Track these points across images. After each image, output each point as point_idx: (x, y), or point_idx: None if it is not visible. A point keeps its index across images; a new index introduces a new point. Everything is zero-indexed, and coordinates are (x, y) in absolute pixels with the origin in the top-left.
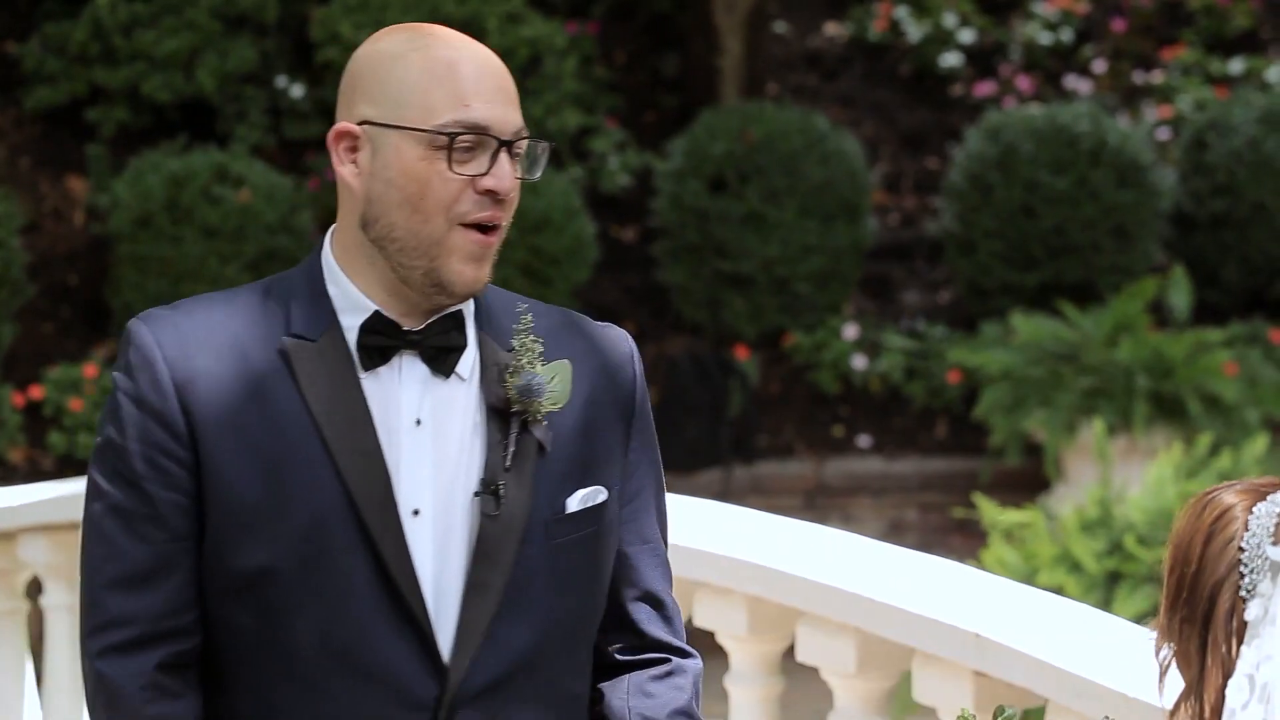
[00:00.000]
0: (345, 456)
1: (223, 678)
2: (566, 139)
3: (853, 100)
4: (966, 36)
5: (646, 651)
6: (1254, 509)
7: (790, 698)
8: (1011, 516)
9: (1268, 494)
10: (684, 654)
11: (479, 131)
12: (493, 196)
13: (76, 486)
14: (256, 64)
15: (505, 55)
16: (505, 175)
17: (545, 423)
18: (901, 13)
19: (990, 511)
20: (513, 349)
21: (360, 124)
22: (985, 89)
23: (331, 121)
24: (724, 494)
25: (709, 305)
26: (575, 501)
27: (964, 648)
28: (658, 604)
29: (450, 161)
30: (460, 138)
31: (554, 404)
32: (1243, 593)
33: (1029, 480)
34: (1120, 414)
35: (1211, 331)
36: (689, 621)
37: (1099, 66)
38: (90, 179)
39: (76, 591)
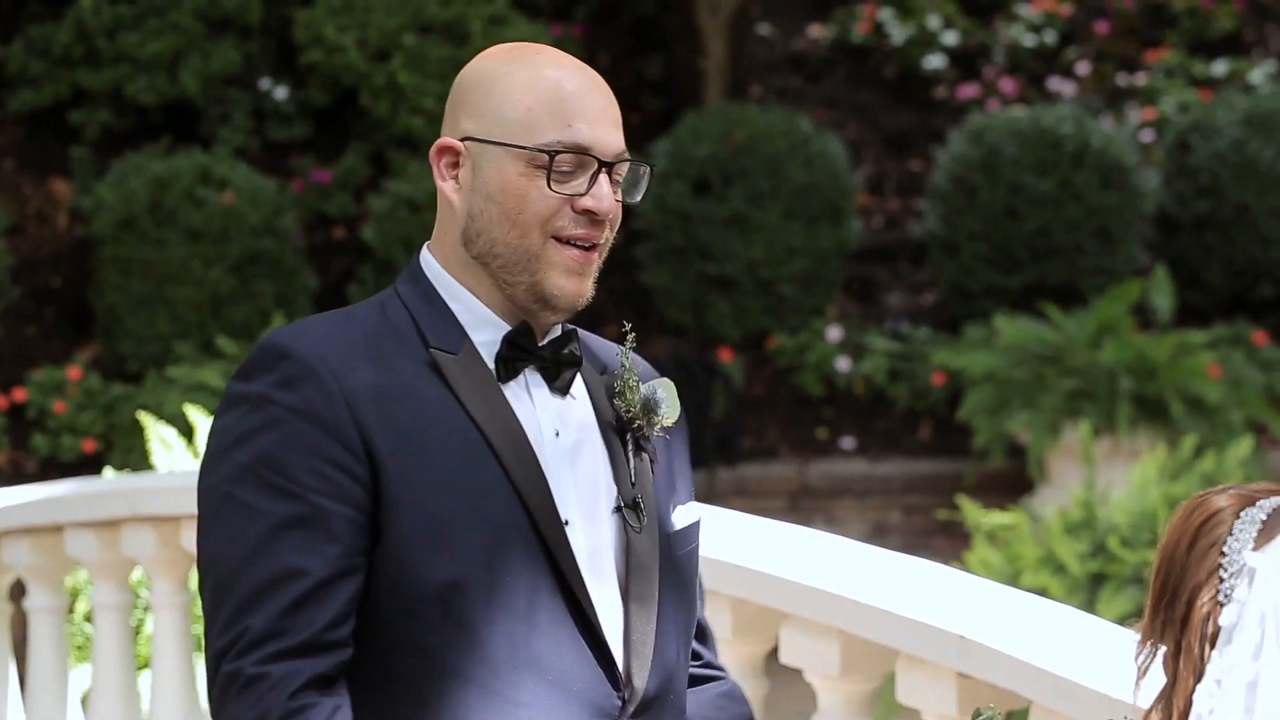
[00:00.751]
0: (515, 467)
1: (406, 693)
2: None
3: (836, 102)
4: (950, 38)
5: (701, 669)
6: (1241, 514)
7: (774, 699)
8: (995, 518)
9: (1258, 499)
10: (725, 673)
11: (580, 152)
12: (590, 216)
13: (60, 489)
14: (240, 66)
15: None
16: (604, 196)
17: (657, 437)
18: (885, 15)
19: (974, 513)
20: (604, 371)
21: (463, 139)
22: (969, 91)
23: (316, 123)
24: (708, 496)
25: (693, 307)
26: (679, 518)
27: (948, 649)
28: (703, 625)
29: (550, 180)
30: (560, 157)
31: (669, 418)
32: (1220, 597)
33: (1013, 482)
34: (1104, 416)
35: (1195, 333)
36: None
37: (1082, 68)
38: (74, 181)
39: (59, 594)
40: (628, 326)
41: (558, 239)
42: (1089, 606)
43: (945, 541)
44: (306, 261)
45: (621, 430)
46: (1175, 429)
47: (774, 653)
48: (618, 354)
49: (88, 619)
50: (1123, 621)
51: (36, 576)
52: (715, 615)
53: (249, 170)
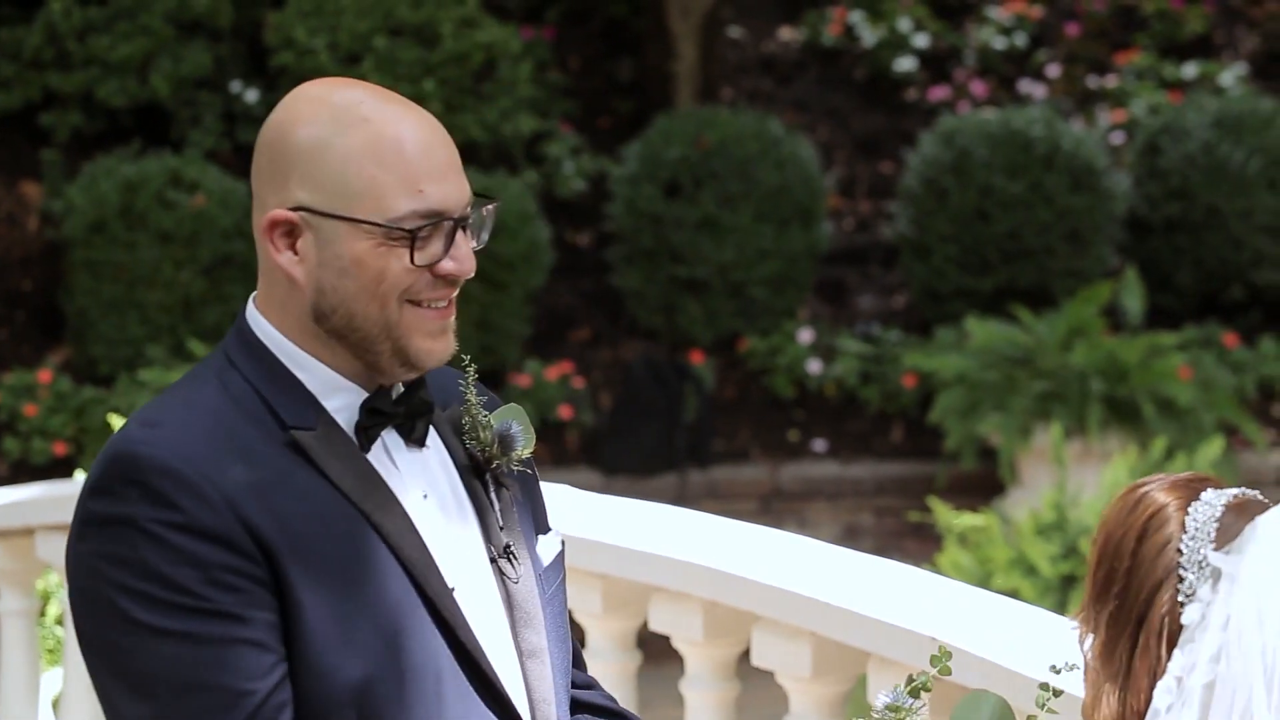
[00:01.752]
0: (399, 543)
1: None
2: (521, 144)
3: (807, 105)
4: (921, 41)
5: (581, 687)
6: (1189, 509)
7: (746, 701)
8: (966, 520)
9: (1199, 491)
10: (595, 683)
11: (436, 218)
12: (450, 280)
13: (31, 492)
14: (211, 69)
15: (460, 60)
16: (465, 256)
17: (518, 470)
18: (856, 17)
19: (945, 515)
20: (445, 406)
21: (296, 210)
22: (939, 93)
23: None
24: (679, 498)
25: (664, 310)
26: (544, 551)
27: (920, 651)
28: (576, 648)
29: (412, 254)
30: (421, 230)
31: (527, 449)
32: (1181, 597)
33: (984, 484)
34: (1075, 418)
35: (1165, 335)
36: (644, 626)
37: (1053, 71)
38: (44, 184)
39: (30, 597)
40: (466, 359)
41: (414, 303)
42: (1060, 608)
43: (916, 543)
44: None
45: (478, 470)
46: (1146, 431)
47: (746, 655)
48: (458, 384)
49: (59, 622)
50: None
51: (7, 580)
52: (687, 617)
53: (220, 173)
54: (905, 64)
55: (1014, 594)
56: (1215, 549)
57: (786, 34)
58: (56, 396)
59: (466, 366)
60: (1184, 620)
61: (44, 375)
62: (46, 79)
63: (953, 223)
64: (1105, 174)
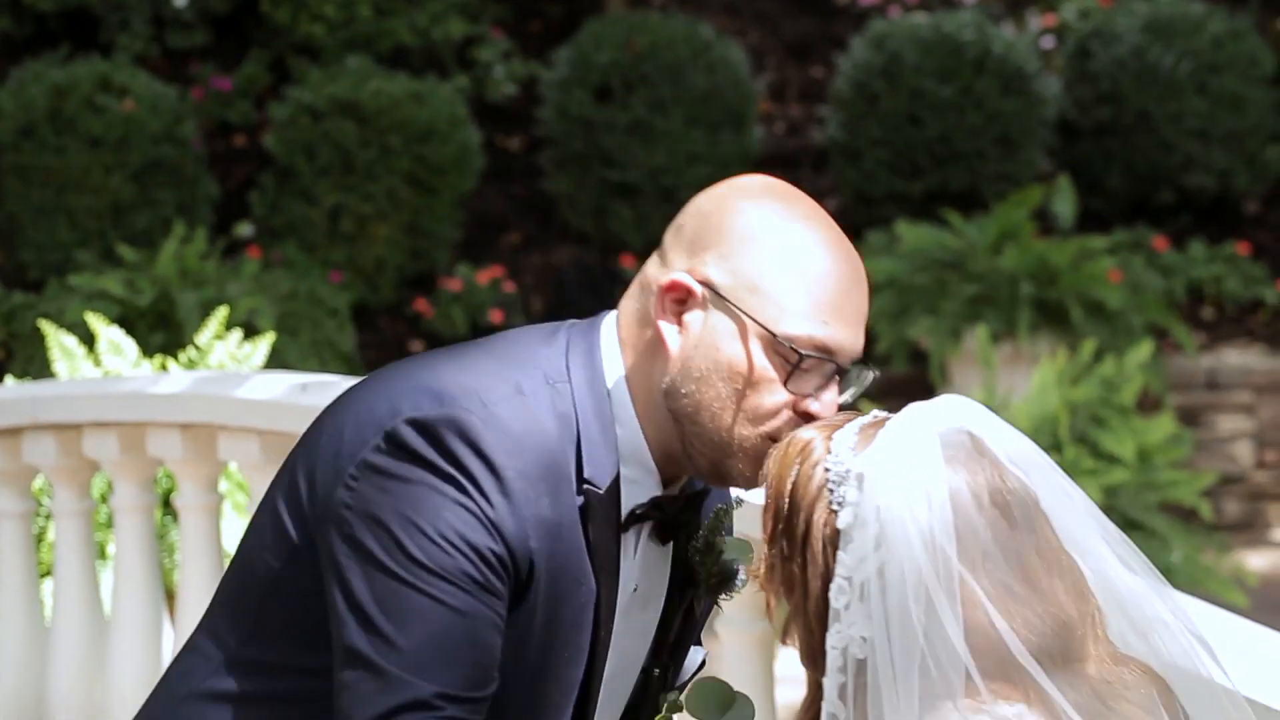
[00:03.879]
0: (601, 635)
1: None
2: (452, 48)
3: (737, 9)
4: None
5: None
6: (833, 436)
7: None
8: None
9: (844, 424)
10: None
11: (828, 356)
12: (807, 419)
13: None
14: None
15: None
16: (830, 404)
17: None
18: None
19: None
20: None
21: (702, 283)
22: None
23: (216, 31)
24: None
25: (595, 214)
26: (688, 667)
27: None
28: None
29: (788, 379)
30: (807, 359)
31: (735, 593)
32: (833, 505)
33: (915, 387)
34: (1005, 321)
35: (1095, 239)
36: None
37: None
38: None
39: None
40: (741, 497)
41: (768, 436)
42: None
43: None
44: (207, 169)
45: (684, 584)
46: (1076, 334)
47: None
48: (713, 510)
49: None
50: None
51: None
52: None
53: (149, 78)
54: None
55: None
56: (855, 455)
57: None
58: None
59: (740, 501)
60: (840, 525)
61: None
62: None
63: (883, 127)
64: (1036, 78)
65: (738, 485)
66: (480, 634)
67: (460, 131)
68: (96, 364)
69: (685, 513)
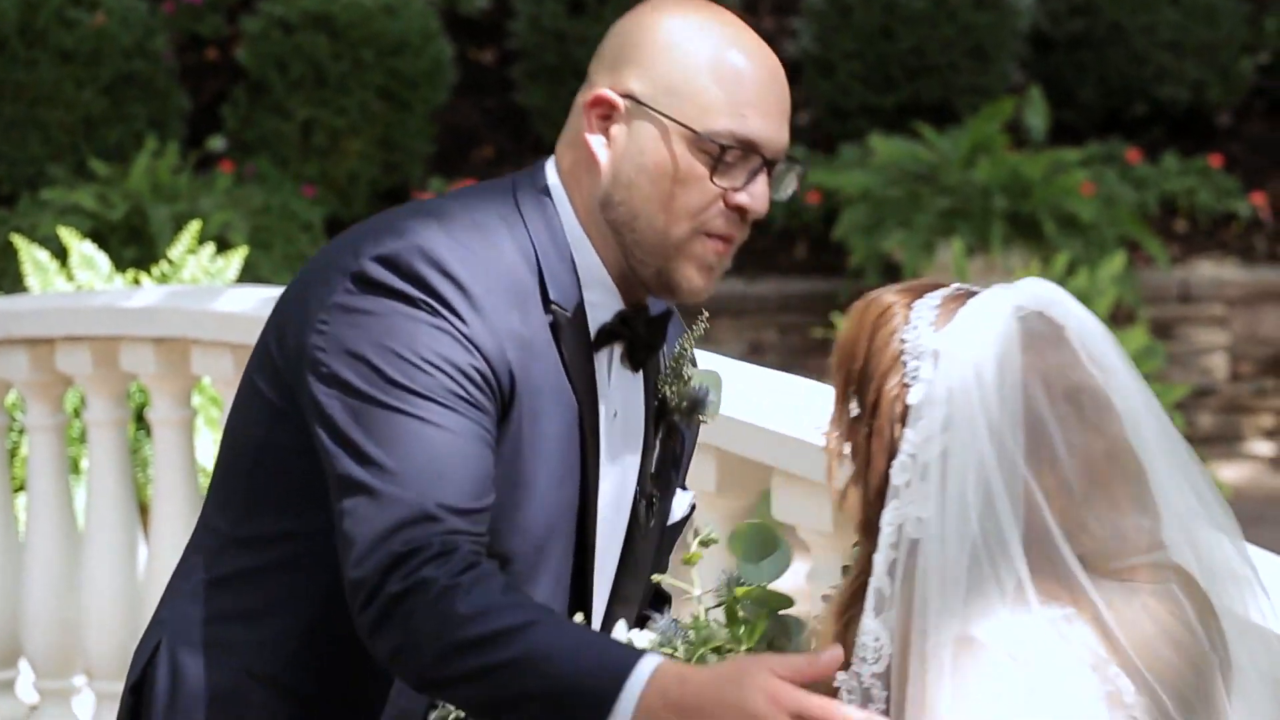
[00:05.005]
0: (590, 454)
1: None
2: None
3: None
4: None
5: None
6: (913, 305)
7: None
8: None
9: (925, 292)
10: None
11: (750, 148)
12: (741, 214)
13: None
14: None
15: None
16: (761, 196)
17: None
18: None
19: None
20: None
21: (624, 96)
22: None
23: None
24: None
25: None
26: (677, 509)
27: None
28: (665, 592)
29: (714, 172)
30: (730, 151)
31: (710, 418)
32: (907, 379)
33: None
34: (978, 234)
35: (1068, 151)
36: None
37: None
38: None
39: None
40: (704, 315)
41: (703, 233)
42: None
43: (821, 360)
44: (179, 83)
45: (658, 414)
46: (1049, 247)
47: None
48: (679, 339)
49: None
50: None
51: (32, 392)
52: None
53: None
54: None
55: None
56: (935, 332)
57: None
58: None
59: (701, 320)
60: (910, 400)
61: None
62: None
63: (857, 39)
64: None
65: (687, 296)
66: (471, 448)
67: (432, 45)
68: (69, 279)
69: (651, 333)
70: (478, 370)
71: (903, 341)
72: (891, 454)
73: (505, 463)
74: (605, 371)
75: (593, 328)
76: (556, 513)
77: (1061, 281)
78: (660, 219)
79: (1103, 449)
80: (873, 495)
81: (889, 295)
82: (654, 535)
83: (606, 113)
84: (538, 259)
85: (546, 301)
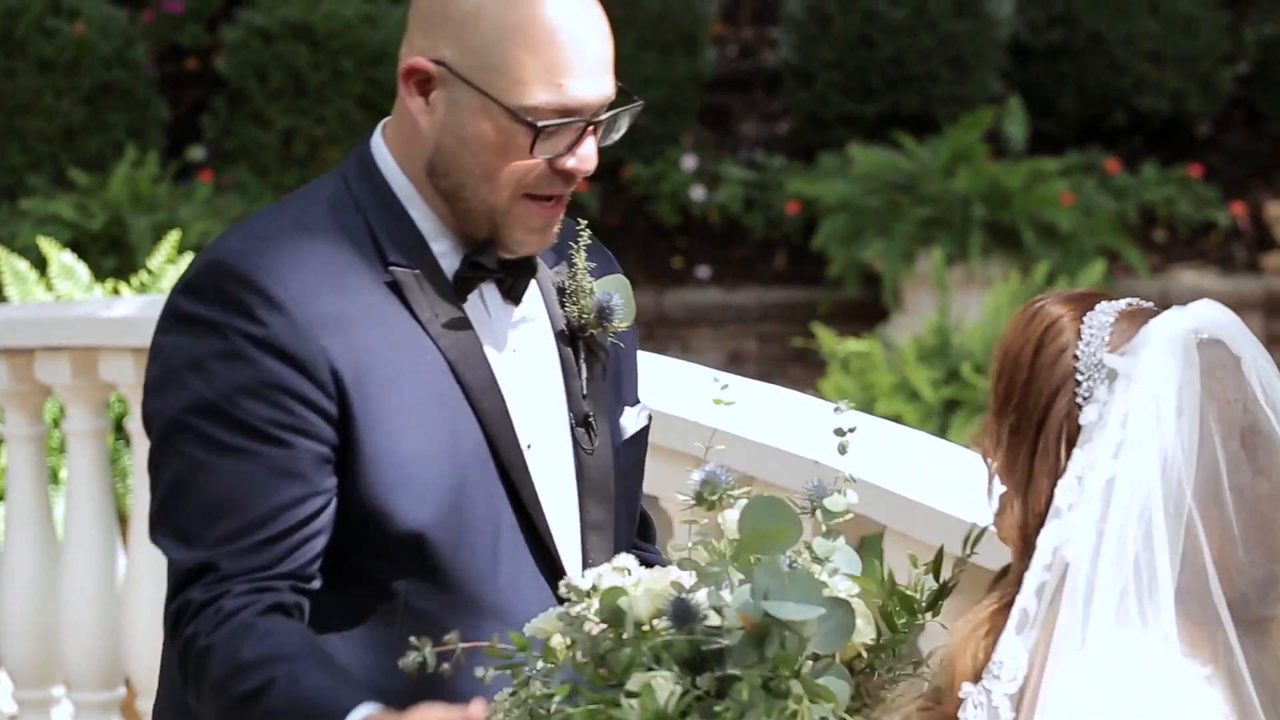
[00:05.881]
0: (478, 396)
1: (371, 635)
2: None
3: None
4: None
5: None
6: (1084, 318)
7: None
8: (850, 346)
9: (1094, 304)
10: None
11: (570, 114)
12: (567, 177)
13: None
14: None
15: None
16: (589, 156)
17: (613, 342)
18: None
19: (829, 341)
20: (555, 263)
21: (438, 64)
22: None
23: None
24: None
25: None
26: (629, 422)
27: (802, 475)
28: (646, 519)
29: (534, 146)
30: (548, 125)
31: (624, 322)
32: (1078, 399)
33: (867, 310)
34: (957, 244)
35: (1048, 161)
36: None
37: None
38: None
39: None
40: (584, 224)
41: (529, 196)
42: (942, 432)
43: (801, 369)
44: (159, 93)
45: (573, 335)
46: (1028, 256)
47: None
48: (569, 247)
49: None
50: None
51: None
52: None
53: (100, 0)
54: None
55: (897, 419)
56: (1110, 353)
57: None
58: None
59: (581, 230)
60: (1082, 420)
61: None
62: None
63: (836, 48)
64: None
65: (521, 252)
66: (259, 479)
67: None
68: (48, 288)
69: (516, 270)
70: (281, 382)
71: (1075, 358)
72: (1056, 474)
73: (367, 444)
74: (484, 312)
75: (449, 274)
76: (457, 471)
77: (1041, 291)
78: (484, 188)
79: (1267, 492)
80: (1033, 515)
81: (1055, 306)
82: (605, 455)
83: (424, 79)
84: (369, 226)
85: (385, 264)
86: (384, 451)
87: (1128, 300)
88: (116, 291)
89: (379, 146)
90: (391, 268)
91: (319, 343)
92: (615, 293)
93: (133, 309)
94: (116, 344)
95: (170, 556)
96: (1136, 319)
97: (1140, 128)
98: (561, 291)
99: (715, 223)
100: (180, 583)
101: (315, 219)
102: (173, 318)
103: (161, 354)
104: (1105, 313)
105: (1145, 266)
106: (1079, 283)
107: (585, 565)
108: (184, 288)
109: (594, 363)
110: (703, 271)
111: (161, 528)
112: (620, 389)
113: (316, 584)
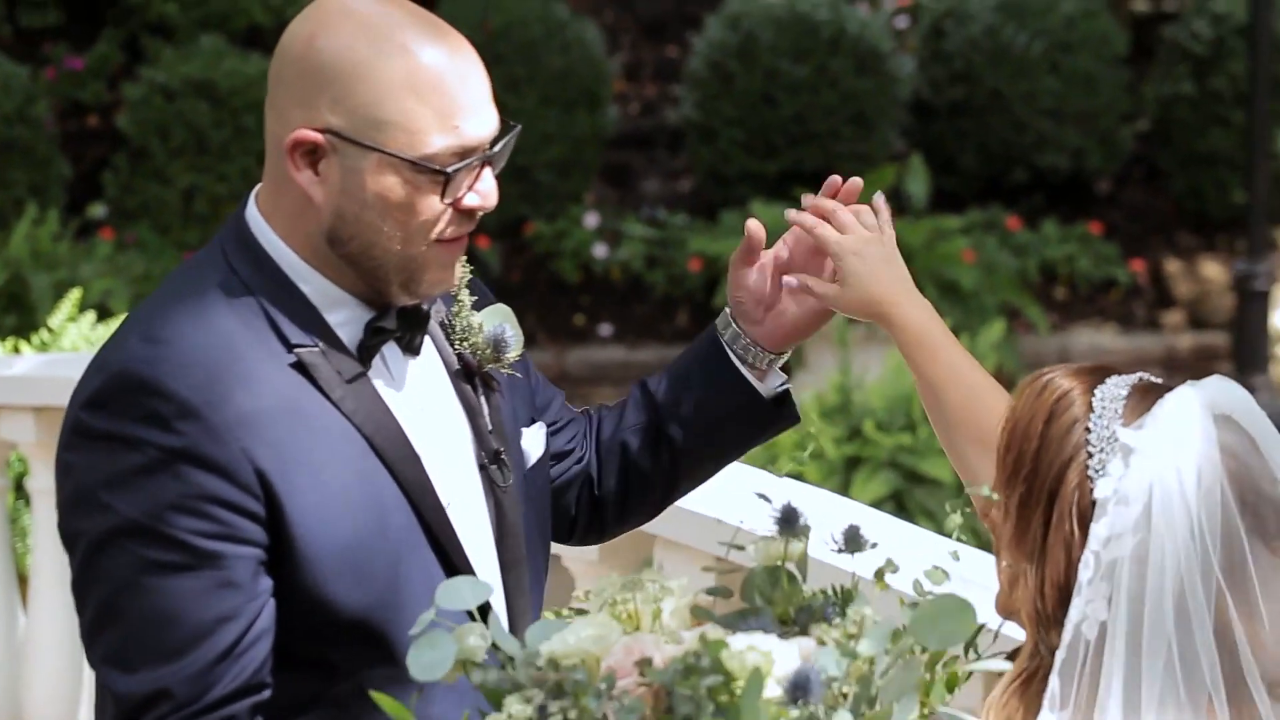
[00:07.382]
0: (399, 466)
1: (319, 714)
2: None
3: None
4: None
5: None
6: (1095, 391)
7: None
8: None
9: (1104, 377)
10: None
11: (468, 155)
12: (471, 214)
13: None
14: None
15: None
16: (491, 190)
17: (508, 374)
18: None
19: None
20: (432, 303)
21: (325, 132)
22: None
23: (68, 10)
24: None
25: None
26: (529, 444)
27: (705, 534)
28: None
29: (444, 193)
30: (454, 171)
31: (516, 352)
32: (1090, 472)
33: None
34: None
35: (949, 219)
36: None
37: None
38: None
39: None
40: (464, 259)
41: (440, 241)
42: (844, 490)
43: None
44: (60, 150)
45: (469, 373)
46: None
47: None
48: (452, 293)
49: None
50: (878, 504)
51: None
52: None
53: (1, 58)
54: None
55: (799, 476)
56: (1124, 427)
57: None
58: None
59: (460, 264)
60: (1096, 495)
61: None
62: None
63: (738, 106)
64: (890, 57)
65: (435, 292)
66: (205, 590)
67: None
68: None
69: (410, 322)
70: (206, 492)
71: (1087, 431)
72: (1071, 546)
73: (300, 539)
74: (386, 374)
75: (352, 347)
76: (390, 548)
77: None
78: (397, 245)
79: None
80: (1050, 586)
81: (1064, 379)
82: (518, 490)
83: (310, 150)
84: (264, 310)
85: (288, 348)
86: (319, 543)
87: (1139, 375)
88: (17, 350)
89: (257, 221)
90: (295, 350)
91: (239, 444)
92: (504, 323)
93: (33, 367)
94: (17, 403)
95: (113, 688)
96: (1150, 394)
97: (1041, 185)
98: (446, 329)
99: (617, 280)
100: (131, 714)
101: (210, 309)
102: (81, 434)
103: (73, 473)
104: (1118, 386)
105: (1046, 324)
106: (980, 340)
107: (508, 605)
108: (88, 402)
109: (491, 394)
110: (605, 329)
111: (96, 652)
112: (516, 413)
113: (268, 692)
